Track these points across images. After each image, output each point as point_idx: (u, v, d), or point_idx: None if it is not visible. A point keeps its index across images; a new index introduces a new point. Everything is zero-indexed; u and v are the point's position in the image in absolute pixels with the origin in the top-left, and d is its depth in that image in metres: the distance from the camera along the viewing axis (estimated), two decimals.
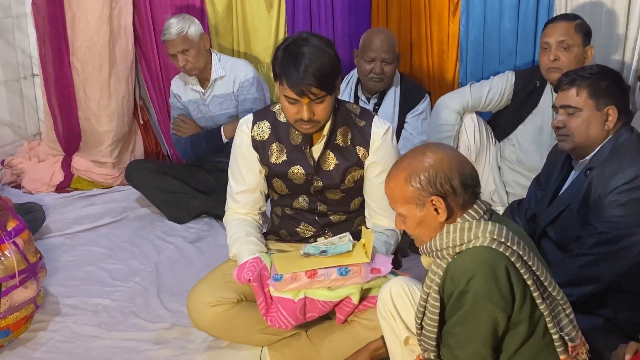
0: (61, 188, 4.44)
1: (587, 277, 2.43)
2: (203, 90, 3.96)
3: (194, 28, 3.80)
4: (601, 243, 2.42)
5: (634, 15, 3.75)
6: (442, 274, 1.90)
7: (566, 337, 1.91)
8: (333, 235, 2.61)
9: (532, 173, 3.21)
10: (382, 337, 2.35)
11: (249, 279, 2.46)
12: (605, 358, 2.15)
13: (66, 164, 4.53)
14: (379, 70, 3.60)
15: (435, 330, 1.93)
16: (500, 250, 1.83)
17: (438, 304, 1.91)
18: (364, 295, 2.47)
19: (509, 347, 1.90)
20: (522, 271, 1.84)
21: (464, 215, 1.92)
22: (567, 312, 1.93)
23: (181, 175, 4.09)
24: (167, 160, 4.69)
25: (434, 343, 1.95)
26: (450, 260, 1.89)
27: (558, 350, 1.90)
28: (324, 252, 2.47)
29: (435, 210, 1.92)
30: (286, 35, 4.24)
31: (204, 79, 3.96)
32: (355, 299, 2.44)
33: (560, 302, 1.92)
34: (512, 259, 1.83)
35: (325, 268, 2.42)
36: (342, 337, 2.51)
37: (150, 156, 4.69)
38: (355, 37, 4.03)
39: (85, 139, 4.54)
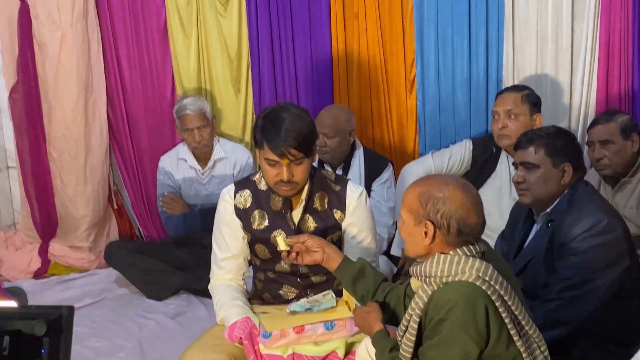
0: (39, 274, 4.49)
1: (557, 321, 2.55)
2: (201, 169, 4.14)
3: (208, 108, 4.09)
4: (567, 288, 2.57)
5: (576, 85, 4.04)
6: (426, 299, 2.02)
7: None
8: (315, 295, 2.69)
9: (495, 233, 3.31)
10: None
11: (240, 337, 2.55)
12: None
13: (43, 251, 4.59)
14: (320, 143, 3.79)
15: (411, 350, 2.05)
16: (483, 288, 1.95)
17: (416, 326, 2.03)
18: (349, 349, 2.56)
19: None
20: (500, 309, 1.96)
21: (458, 250, 2.04)
22: (542, 349, 2.05)
23: (158, 254, 4.19)
24: (142, 240, 4.78)
25: None
26: (436, 288, 2.02)
27: None
28: (309, 309, 2.58)
29: (425, 233, 2.05)
30: (254, 116, 4.47)
31: (203, 159, 4.15)
32: (340, 353, 2.53)
33: (536, 340, 2.04)
34: (493, 298, 1.95)
35: (311, 323, 2.52)
36: None
37: (125, 238, 4.77)
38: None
39: (61, 225, 4.63)
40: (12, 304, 1.49)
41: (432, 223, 2.03)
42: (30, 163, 4.54)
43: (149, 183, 4.58)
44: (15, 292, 3.77)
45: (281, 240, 2.49)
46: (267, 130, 2.55)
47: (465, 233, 2.03)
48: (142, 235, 4.79)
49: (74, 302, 4.03)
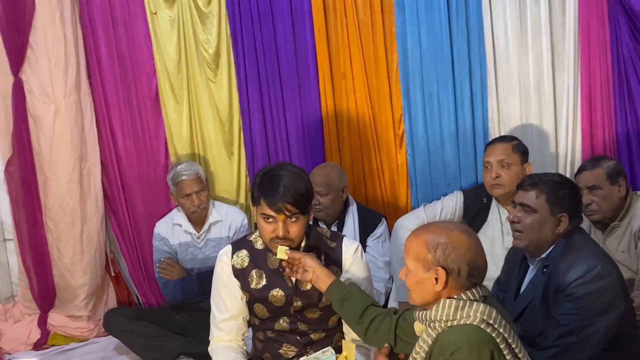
0: (38, 346, 4.46)
1: None
2: (197, 233, 4.17)
3: (202, 172, 4.14)
4: (564, 335, 2.59)
5: (561, 134, 4.11)
6: (431, 342, 2.06)
7: None
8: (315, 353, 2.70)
9: (490, 282, 3.36)
10: None
11: None
12: None
13: (42, 322, 4.58)
14: (314, 201, 3.85)
15: None
16: (488, 331, 1.99)
17: None
18: None
19: None
20: (505, 352, 2.00)
21: (462, 294, 2.08)
22: None
23: (156, 319, 4.18)
24: (140, 307, 4.77)
25: None
26: (440, 331, 2.05)
27: None
28: None
29: (435, 279, 2.08)
30: (247, 177, 4.53)
31: (198, 223, 4.18)
32: None
33: None
34: (497, 340, 1.99)
35: None
36: None
37: (123, 305, 4.76)
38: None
39: (60, 295, 4.62)
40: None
41: (443, 269, 2.07)
42: (27, 235, 4.55)
43: (146, 250, 4.59)
44: None
45: (282, 250, 2.59)
46: (264, 186, 2.62)
47: (474, 275, 2.10)
48: (141, 301, 4.78)
49: None
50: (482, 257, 2.14)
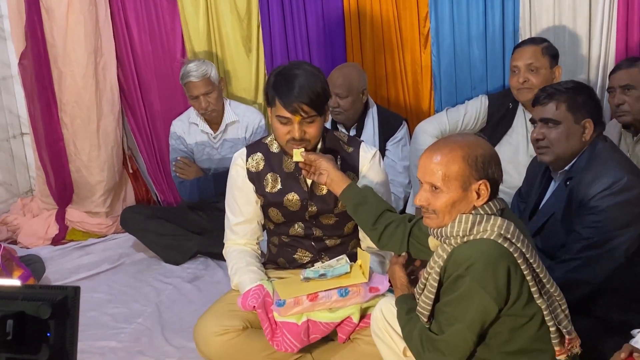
0: (57, 241, 4.52)
1: (576, 281, 2.51)
2: (213, 133, 4.09)
3: (214, 72, 3.98)
4: (587, 248, 2.52)
5: (594, 35, 3.91)
6: (445, 257, 2.00)
7: (564, 330, 2.02)
8: (330, 260, 2.69)
9: (513, 190, 3.30)
10: None
11: (254, 306, 2.55)
12: (597, 355, 2.24)
13: (60, 217, 4.62)
14: (333, 103, 3.75)
15: (429, 307, 2.04)
16: (505, 245, 1.93)
17: (436, 284, 2.02)
18: (363, 313, 2.56)
19: (503, 332, 2.01)
20: (522, 267, 1.94)
21: (479, 208, 2.01)
22: (562, 307, 2.04)
23: (174, 218, 4.19)
24: (158, 205, 4.79)
25: (425, 319, 2.07)
26: (455, 246, 1.99)
27: (554, 342, 2.01)
28: (323, 275, 2.57)
29: (477, 193, 2.00)
30: (266, 76, 4.40)
31: (214, 122, 4.09)
32: (355, 319, 2.53)
33: (557, 298, 2.02)
34: (515, 255, 1.93)
35: (325, 290, 2.50)
36: (347, 354, 2.60)
37: (141, 203, 4.78)
38: None
39: (77, 191, 4.64)
40: (15, 282, 1.45)
41: (487, 180, 1.99)
42: (43, 130, 4.54)
43: (163, 147, 4.55)
44: (32, 261, 3.78)
45: (297, 153, 2.54)
46: (279, 86, 2.52)
47: (500, 177, 2.04)
48: (159, 199, 4.79)
49: (93, 268, 4.10)
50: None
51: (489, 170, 1.99)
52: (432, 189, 2.04)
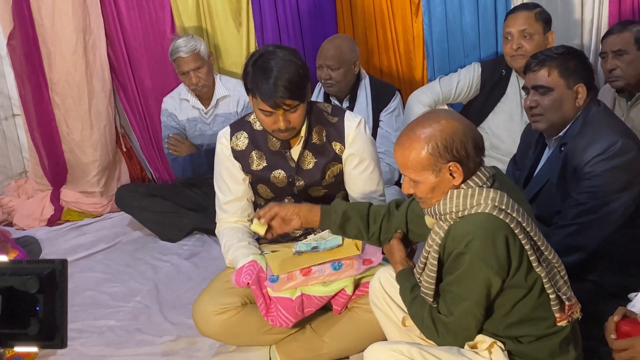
0: (52, 221, 4.51)
1: (572, 247, 2.51)
2: (204, 109, 4.06)
3: (203, 47, 3.94)
4: (582, 213, 2.51)
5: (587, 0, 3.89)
6: (443, 235, 1.99)
7: (563, 297, 2.02)
8: (322, 232, 2.68)
9: (507, 157, 3.31)
10: None
11: (248, 283, 2.55)
12: (596, 319, 2.23)
13: (55, 198, 4.61)
14: (324, 76, 3.74)
15: (433, 286, 2.04)
16: (501, 217, 1.92)
17: (436, 262, 2.02)
18: (357, 283, 2.57)
19: (505, 304, 2.02)
20: (520, 237, 1.93)
21: (469, 181, 1.99)
22: (561, 274, 2.03)
23: (169, 196, 4.18)
24: (153, 183, 4.77)
25: (430, 299, 2.06)
26: (452, 222, 1.99)
27: (554, 308, 2.01)
28: (315, 248, 2.57)
29: (451, 174, 1.98)
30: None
31: (205, 98, 4.05)
32: (349, 291, 2.54)
33: (556, 265, 2.02)
34: (512, 226, 1.92)
35: (318, 264, 2.51)
36: (345, 324, 2.61)
37: (136, 181, 4.76)
38: None
39: (71, 171, 4.62)
40: (2, 258, 1.44)
41: (455, 161, 1.96)
42: (34, 111, 4.51)
43: (156, 124, 4.50)
44: (28, 242, 3.77)
45: (256, 226, 2.41)
46: (257, 80, 2.49)
47: (480, 147, 2.00)
48: (154, 177, 4.77)
49: (89, 248, 4.09)
50: (475, 128, 2.05)
51: (453, 152, 1.96)
52: (410, 179, 2.05)
